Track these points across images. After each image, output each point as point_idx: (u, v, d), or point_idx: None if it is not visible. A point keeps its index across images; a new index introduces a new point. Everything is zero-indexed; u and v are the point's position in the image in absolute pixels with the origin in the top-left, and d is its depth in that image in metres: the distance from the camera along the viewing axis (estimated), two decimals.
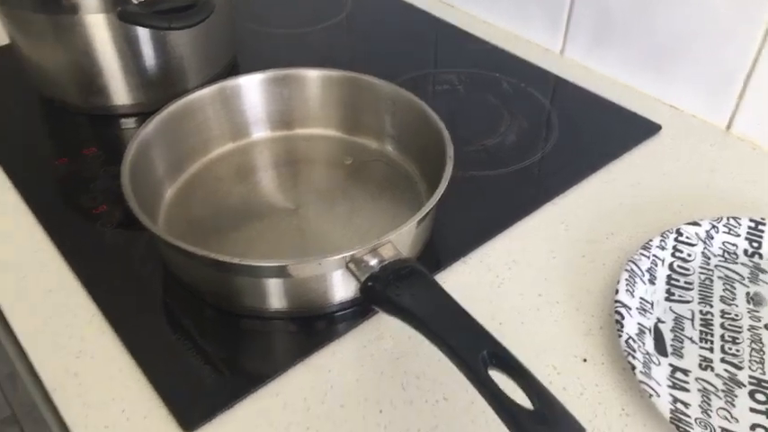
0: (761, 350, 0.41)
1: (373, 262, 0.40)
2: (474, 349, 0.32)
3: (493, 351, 0.32)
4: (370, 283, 0.39)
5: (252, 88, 0.53)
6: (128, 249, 0.48)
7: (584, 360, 0.41)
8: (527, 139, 0.58)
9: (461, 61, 0.69)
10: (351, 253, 0.39)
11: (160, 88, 0.61)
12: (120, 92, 0.61)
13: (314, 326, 0.43)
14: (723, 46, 0.56)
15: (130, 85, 0.61)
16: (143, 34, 0.58)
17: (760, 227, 0.47)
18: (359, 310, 0.44)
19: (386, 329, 0.43)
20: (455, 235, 0.49)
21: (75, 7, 0.55)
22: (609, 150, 0.57)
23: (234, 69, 0.68)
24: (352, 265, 0.40)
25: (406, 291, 0.37)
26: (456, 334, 0.33)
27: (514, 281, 0.46)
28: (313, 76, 0.53)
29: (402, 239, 0.41)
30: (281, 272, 0.40)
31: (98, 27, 0.56)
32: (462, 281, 0.46)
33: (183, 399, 0.39)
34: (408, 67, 0.68)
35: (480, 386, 0.31)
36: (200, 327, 0.43)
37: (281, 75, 0.53)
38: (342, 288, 0.42)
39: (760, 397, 0.38)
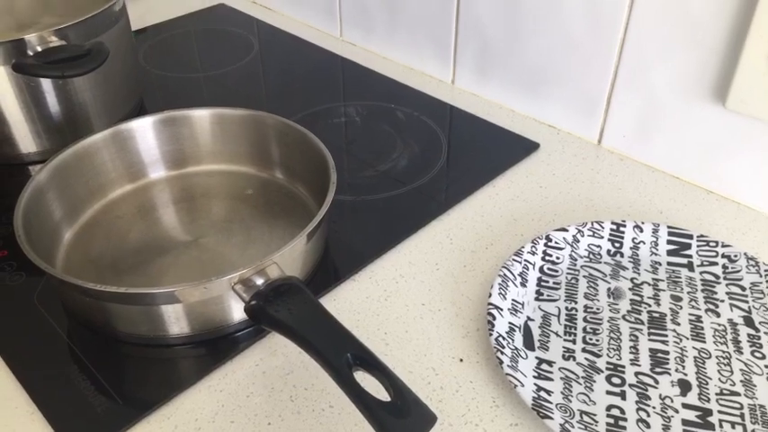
0: (618, 338, 0.45)
1: (259, 282, 0.42)
2: (339, 352, 0.35)
3: (356, 353, 0.35)
4: (253, 302, 0.41)
5: (145, 131, 0.55)
6: (27, 291, 0.49)
7: (461, 360, 0.44)
8: (418, 162, 0.62)
9: (362, 95, 0.73)
10: (236, 274, 0.42)
11: (66, 135, 0.63)
12: (25, 140, 0.62)
13: (212, 348, 0.45)
14: (586, 69, 0.62)
15: (35, 133, 0.62)
16: (44, 83, 0.60)
17: (621, 228, 0.52)
18: (255, 330, 0.46)
19: (278, 347, 0.45)
20: (348, 255, 0.52)
21: None
22: (492, 168, 0.61)
23: (141, 113, 0.70)
24: (239, 287, 0.42)
25: (284, 306, 0.40)
26: (323, 340, 0.36)
27: (400, 293, 0.49)
28: (202, 115, 0.56)
29: (287, 260, 0.44)
30: (170, 298, 0.42)
31: None
32: (352, 297, 0.49)
33: (76, 429, 0.40)
34: (314, 103, 0.72)
35: (342, 384, 0.34)
36: (98, 360, 0.44)
37: (172, 116, 0.55)
38: (236, 309, 0.44)
39: (616, 380, 0.42)
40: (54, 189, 0.50)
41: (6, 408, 0.42)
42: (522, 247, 0.50)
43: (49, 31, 0.58)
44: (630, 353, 0.44)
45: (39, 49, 0.57)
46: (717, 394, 0.41)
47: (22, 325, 0.47)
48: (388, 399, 0.34)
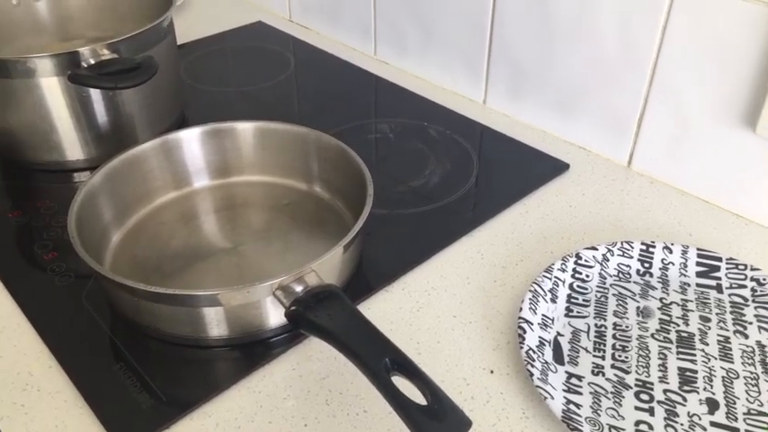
0: (647, 356, 0.45)
1: (299, 289, 0.44)
2: (378, 357, 0.37)
3: (394, 358, 0.37)
4: (293, 308, 0.43)
5: (191, 141, 0.58)
6: (75, 291, 0.51)
7: (492, 372, 0.45)
8: (450, 179, 0.64)
9: (395, 112, 0.75)
10: (277, 281, 0.44)
11: (111, 144, 0.65)
12: (73, 148, 0.65)
13: (250, 351, 0.47)
14: (617, 92, 0.63)
15: (83, 141, 0.65)
16: (94, 94, 0.63)
17: (650, 249, 0.53)
18: (292, 335, 0.48)
19: (314, 352, 0.47)
20: (381, 266, 0.54)
21: (30, 72, 0.60)
22: (523, 187, 0.63)
23: (183, 125, 0.73)
24: (279, 293, 0.44)
25: (323, 312, 0.41)
26: (363, 345, 0.38)
27: (432, 305, 0.51)
28: (246, 128, 0.58)
29: (325, 268, 0.46)
30: (212, 300, 0.44)
31: (52, 89, 0.61)
32: (385, 308, 0.50)
33: (122, 423, 0.42)
34: (347, 119, 0.74)
35: (381, 387, 0.35)
36: (142, 358, 0.46)
37: (217, 128, 0.58)
38: (274, 314, 0.46)
39: (644, 397, 0.43)
40: (105, 193, 0.53)
41: (56, 400, 0.44)
42: (553, 264, 0.51)
43: (101, 44, 0.61)
44: (659, 370, 0.44)
45: (92, 61, 0.60)
46: (744, 414, 0.42)
47: (72, 323, 0.49)
48: (425, 403, 0.35)
